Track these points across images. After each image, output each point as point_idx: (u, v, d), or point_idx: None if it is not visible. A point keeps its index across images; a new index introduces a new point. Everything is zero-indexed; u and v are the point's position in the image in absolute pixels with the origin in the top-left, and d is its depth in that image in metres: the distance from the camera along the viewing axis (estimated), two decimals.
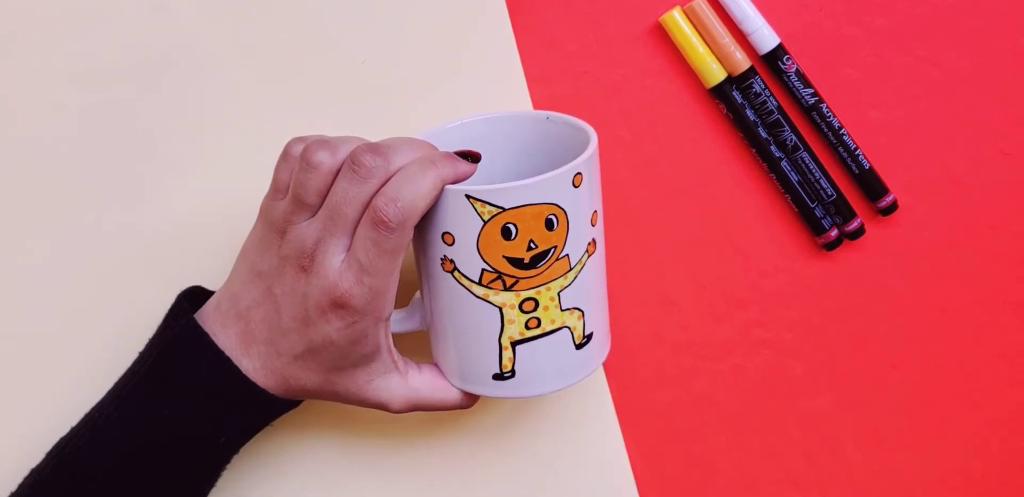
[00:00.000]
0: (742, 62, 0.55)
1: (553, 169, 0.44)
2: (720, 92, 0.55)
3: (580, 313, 0.47)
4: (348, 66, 0.55)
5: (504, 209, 0.44)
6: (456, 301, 0.46)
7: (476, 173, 0.46)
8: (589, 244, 0.46)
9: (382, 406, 0.49)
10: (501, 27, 0.55)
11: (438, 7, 0.55)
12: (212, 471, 0.50)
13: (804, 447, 0.60)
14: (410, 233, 0.44)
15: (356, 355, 0.47)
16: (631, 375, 0.59)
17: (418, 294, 0.50)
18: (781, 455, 0.60)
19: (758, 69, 0.55)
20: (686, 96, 0.56)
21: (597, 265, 0.48)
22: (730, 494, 0.60)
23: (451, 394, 0.50)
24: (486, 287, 0.45)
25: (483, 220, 0.44)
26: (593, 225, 0.47)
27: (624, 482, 0.59)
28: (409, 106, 0.55)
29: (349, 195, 0.44)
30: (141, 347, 0.50)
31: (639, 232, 0.58)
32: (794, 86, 0.55)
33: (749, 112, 0.56)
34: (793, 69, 0.55)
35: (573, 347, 0.48)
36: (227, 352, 0.48)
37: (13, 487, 0.49)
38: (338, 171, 0.45)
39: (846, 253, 0.58)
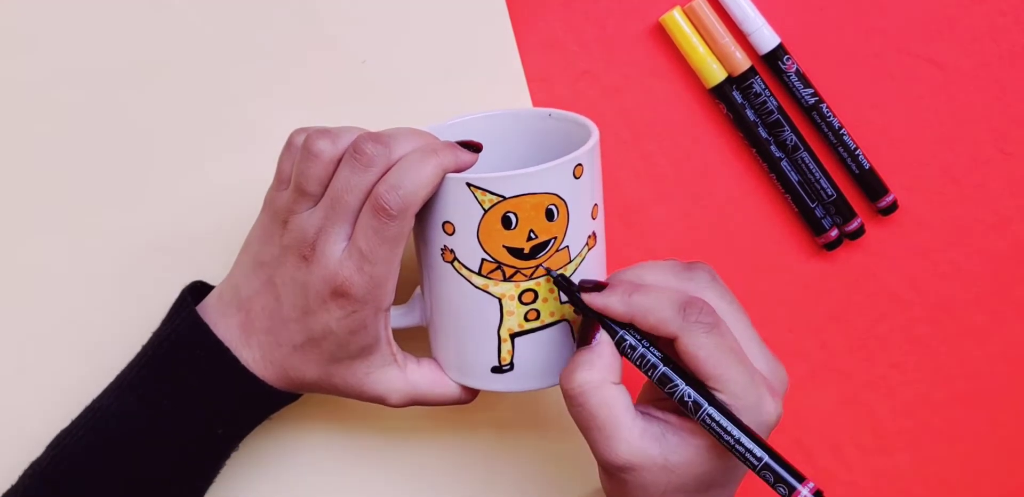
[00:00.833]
0: (742, 62, 0.55)
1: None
2: (720, 92, 0.55)
3: None
4: (348, 66, 0.55)
5: (504, 198, 0.44)
6: (455, 292, 0.47)
7: (478, 170, 0.46)
8: (589, 237, 0.47)
9: (380, 400, 0.49)
10: (501, 27, 0.55)
11: (438, 7, 0.55)
12: (211, 463, 0.50)
13: (804, 447, 0.60)
14: (411, 221, 0.44)
15: (355, 346, 0.47)
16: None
17: (418, 290, 0.50)
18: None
19: (758, 69, 0.55)
20: (686, 96, 0.56)
21: (597, 258, 0.48)
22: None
23: (450, 389, 0.50)
24: (485, 277, 0.46)
25: (484, 209, 0.44)
26: (594, 218, 0.47)
27: None
28: (409, 106, 0.55)
29: (351, 183, 0.44)
30: (143, 343, 0.50)
31: (639, 232, 0.58)
32: (794, 86, 0.55)
33: (749, 112, 0.56)
34: (793, 69, 0.55)
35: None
36: (228, 343, 0.48)
37: (14, 479, 0.49)
38: (339, 160, 0.45)
39: (846, 253, 0.58)
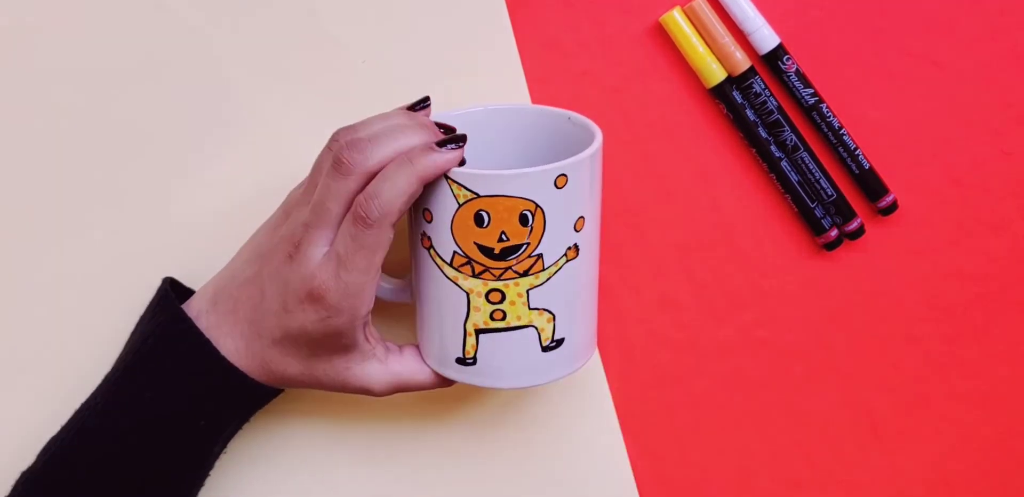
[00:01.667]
0: (742, 62, 0.55)
1: None
2: (720, 92, 0.55)
3: (550, 315, 0.47)
4: (348, 66, 0.55)
5: (479, 195, 0.44)
6: (431, 278, 0.47)
7: (479, 160, 0.46)
8: (570, 249, 0.46)
9: (365, 391, 0.49)
10: (501, 27, 0.55)
11: (438, 7, 0.55)
12: (198, 458, 0.51)
13: (804, 447, 0.60)
14: (389, 231, 0.44)
15: (332, 346, 0.47)
16: (631, 375, 0.59)
17: None
18: (781, 455, 0.60)
19: (758, 69, 0.55)
20: (686, 96, 0.56)
21: (579, 271, 0.47)
22: (730, 494, 0.60)
23: (430, 375, 0.50)
24: (456, 270, 0.46)
25: (458, 203, 0.44)
26: (577, 230, 0.46)
27: (624, 482, 0.59)
28: None
29: (331, 190, 0.44)
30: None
31: (639, 232, 0.58)
32: (794, 86, 0.55)
33: (749, 112, 0.56)
34: (793, 69, 0.55)
35: (539, 348, 0.48)
36: (213, 330, 0.48)
37: (13, 480, 0.50)
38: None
39: (846, 253, 0.58)
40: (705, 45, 0.55)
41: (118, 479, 0.48)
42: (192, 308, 0.49)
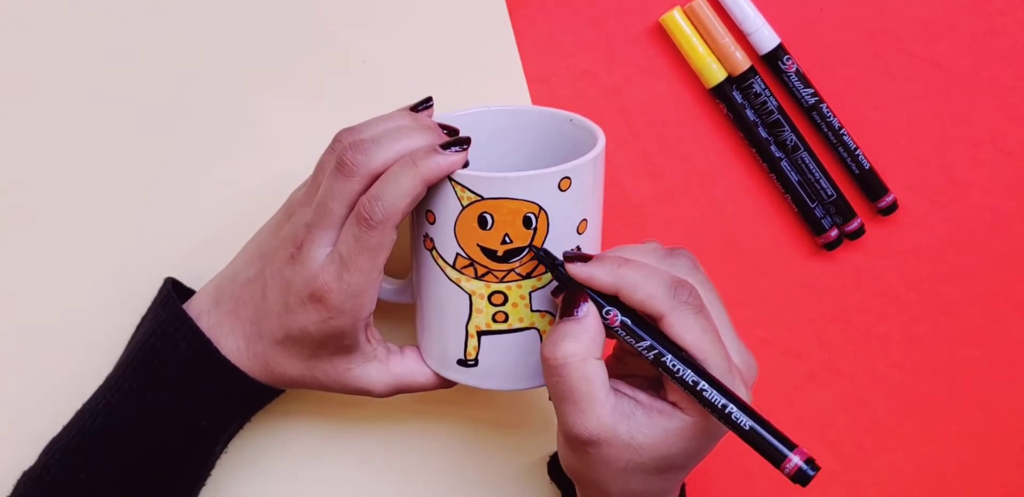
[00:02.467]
0: (742, 62, 0.55)
1: None
2: (720, 92, 0.55)
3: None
4: (348, 66, 0.55)
5: (483, 198, 0.44)
6: (433, 280, 0.47)
7: (478, 161, 0.46)
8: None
9: (365, 392, 0.49)
10: (501, 27, 0.55)
11: (438, 7, 0.55)
12: (199, 459, 0.51)
13: (804, 447, 0.60)
14: (392, 233, 0.44)
15: (333, 347, 0.47)
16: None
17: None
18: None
19: (758, 69, 0.55)
20: (686, 96, 0.56)
21: None
22: (730, 494, 0.60)
23: (431, 376, 0.50)
24: (459, 272, 0.46)
25: (462, 205, 0.44)
26: (580, 233, 0.46)
27: None
28: None
29: (334, 191, 0.44)
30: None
31: (639, 232, 0.58)
32: (794, 86, 0.55)
33: (749, 112, 0.56)
34: (793, 69, 0.55)
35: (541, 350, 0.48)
36: (215, 330, 0.48)
37: (12, 480, 0.50)
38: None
39: (846, 253, 0.58)
40: (705, 45, 0.55)
41: (119, 479, 0.48)
42: (193, 308, 0.49)
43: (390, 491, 0.59)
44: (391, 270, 0.50)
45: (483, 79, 0.55)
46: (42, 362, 0.55)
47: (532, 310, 0.46)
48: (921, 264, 0.59)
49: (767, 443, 0.41)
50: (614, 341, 0.45)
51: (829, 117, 0.56)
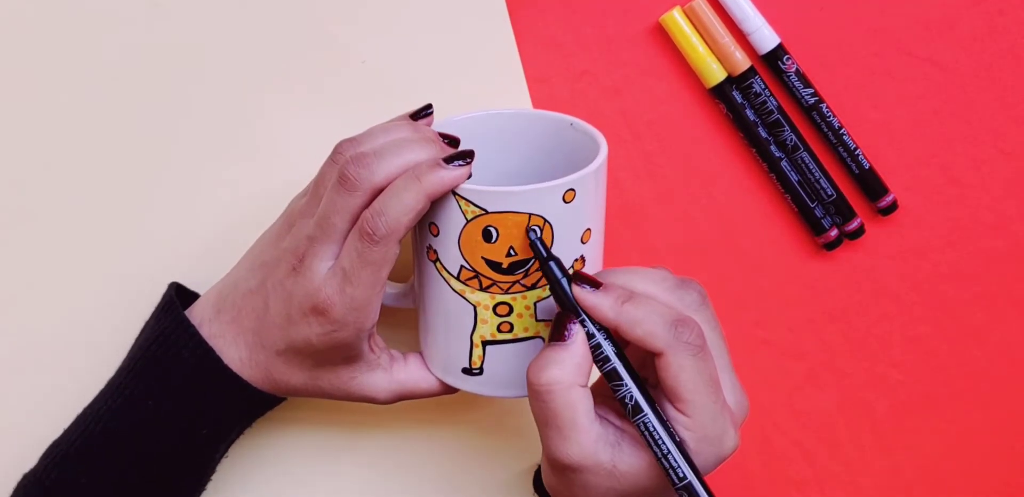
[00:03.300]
0: (742, 62, 0.55)
1: (565, 176, 0.44)
2: (720, 92, 0.55)
3: None
4: (348, 66, 0.55)
5: (487, 212, 0.43)
6: (437, 290, 0.47)
7: (493, 164, 0.45)
8: (576, 260, 0.46)
9: (369, 400, 0.49)
10: (501, 27, 0.55)
11: (438, 7, 0.55)
12: (200, 464, 0.51)
13: (804, 447, 0.60)
14: (395, 247, 0.43)
15: (337, 357, 0.47)
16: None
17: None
18: (781, 455, 0.60)
19: (758, 69, 0.55)
20: (686, 96, 0.56)
21: None
22: (730, 494, 0.60)
23: (434, 383, 0.50)
24: (463, 283, 0.45)
25: (466, 219, 0.44)
26: (584, 242, 0.46)
27: None
28: (409, 106, 0.55)
29: (337, 205, 0.44)
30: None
31: (639, 232, 0.58)
32: (794, 86, 0.55)
33: (749, 112, 0.56)
34: (793, 69, 0.55)
35: None
36: (216, 340, 0.48)
37: (9, 493, 0.50)
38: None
39: (846, 253, 0.58)
40: (705, 45, 0.55)
41: (119, 483, 0.48)
42: (195, 315, 0.49)
43: (392, 496, 0.59)
44: (392, 274, 0.50)
45: (483, 79, 0.55)
46: (42, 363, 0.55)
47: (537, 320, 0.46)
48: (921, 264, 0.59)
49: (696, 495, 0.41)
50: None
51: (829, 117, 0.56)
